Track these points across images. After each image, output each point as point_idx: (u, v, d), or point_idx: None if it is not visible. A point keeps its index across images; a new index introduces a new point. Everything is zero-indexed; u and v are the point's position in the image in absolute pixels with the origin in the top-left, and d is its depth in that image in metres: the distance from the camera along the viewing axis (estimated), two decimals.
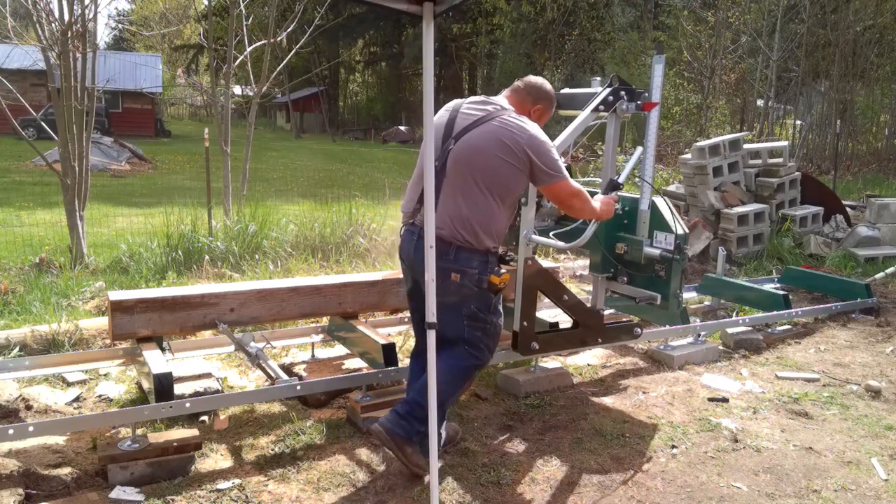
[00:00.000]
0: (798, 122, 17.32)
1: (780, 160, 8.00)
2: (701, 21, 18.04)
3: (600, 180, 3.68)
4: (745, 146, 8.05)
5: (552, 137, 3.10)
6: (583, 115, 3.51)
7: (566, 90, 3.92)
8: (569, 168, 3.29)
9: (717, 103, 16.77)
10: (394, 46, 39.62)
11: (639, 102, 3.64)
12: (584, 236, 3.37)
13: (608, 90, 3.61)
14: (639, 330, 3.89)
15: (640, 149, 3.75)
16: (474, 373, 3.04)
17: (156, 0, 33.24)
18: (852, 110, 16.73)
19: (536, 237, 3.40)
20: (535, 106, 3.12)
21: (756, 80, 17.13)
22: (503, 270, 2.96)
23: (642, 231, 3.74)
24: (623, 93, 3.60)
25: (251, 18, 9.01)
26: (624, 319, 4.08)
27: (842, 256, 7.10)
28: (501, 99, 3.07)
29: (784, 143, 9.54)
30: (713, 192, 7.49)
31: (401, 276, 3.97)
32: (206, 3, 9.63)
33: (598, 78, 4.02)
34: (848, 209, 8.46)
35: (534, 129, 2.91)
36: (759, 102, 17.13)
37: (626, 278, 3.84)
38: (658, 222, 3.72)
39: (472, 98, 3.09)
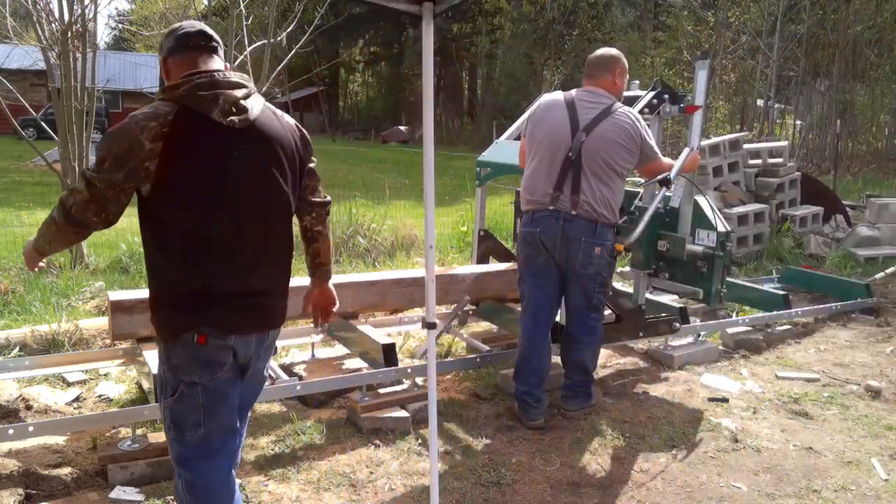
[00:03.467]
0: (798, 122, 17.30)
1: (780, 160, 8.00)
2: (701, 21, 18.05)
3: (642, 179, 3.83)
4: (745, 146, 8.05)
5: None
6: None
7: None
8: None
9: (716, 103, 16.78)
10: (394, 46, 39.60)
11: (681, 105, 3.85)
12: (634, 235, 3.60)
13: (652, 93, 3.80)
14: (677, 324, 4.09)
15: (687, 150, 3.94)
16: (602, 331, 3.57)
17: (156, 0, 33.21)
18: (852, 110, 16.72)
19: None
20: (616, 72, 3.44)
21: (756, 80, 17.13)
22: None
23: (685, 228, 3.86)
24: (666, 96, 3.80)
25: (251, 18, 9.01)
26: (663, 314, 4.26)
27: (842, 256, 7.10)
28: (601, 91, 3.40)
29: (784, 143, 9.53)
30: (713, 193, 7.48)
31: (399, 276, 4.02)
32: (206, 3, 9.63)
33: (637, 81, 4.16)
34: (848, 209, 8.46)
35: (641, 120, 3.40)
36: (759, 102, 17.12)
37: (667, 274, 4.01)
38: (700, 220, 3.87)
39: (579, 92, 3.43)
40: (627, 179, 4.20)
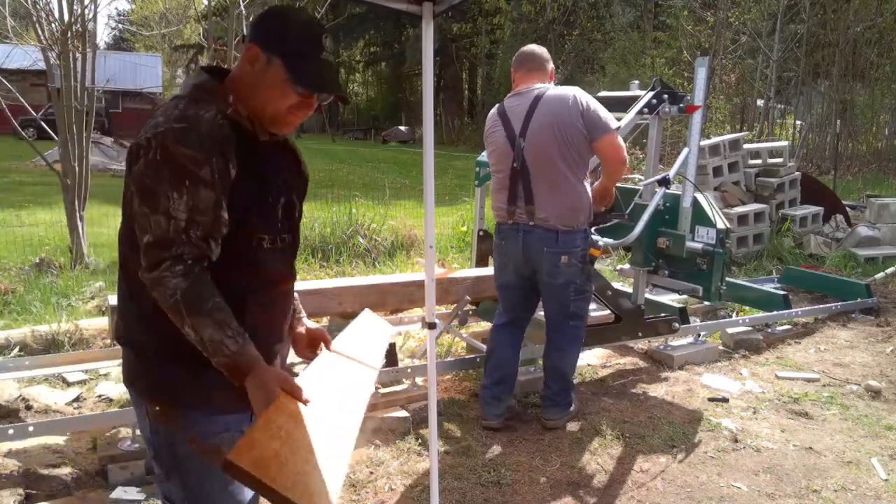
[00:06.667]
0: (798, 123, 17.29)
1: (780, 160, 7.99)
2: (701, 21, 18.03)
3: (640, 177, 3.81)
4: (745, 146, 8.05)
5: None
6: (627, 118, 3.71)
7: (605, 93, 4.12)
8: None
9: (717, 103, 16.75)
10: (394, 46, 39.58)
11: (681, 105, 3.83)
12: (634, 233, 3.56)
13: (651, 94, 3.80)
14: (677, 325, 4.08)
15: (686, 149, 3.93)
16: (583, 337, 3.44)
17: (156, 0, 33.20)
18: (852, 110, 16.71)
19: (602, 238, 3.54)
20: (550, 68, 3.31)
21: (756, 80, 17.12)
22: (600, 243, 3.30)
23: (684, 226, 3.87)
24: (666, 96, 3.79)
25: (251, 18, 9.00)
26: (663, 314, 4.24)
27: (842, 256, 7.10)
28: (532, 85, 3.23)
29: (784, 143, 9.53)
30: (713, 192, 7.48)
31: (397, 279, 4.04)
32: (206, 3, 9.63)
33: (637, 81, 4.15)
34: (848, 209, 8.45)
35: (581, 92, 3.14)
36: (759, 102, 17.11)
37: (667, 272, 4.00)
38: (700, 217, 3.88)
39: (508, 98, 3.29)
40: (627, 177, 4.15)
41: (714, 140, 7.77)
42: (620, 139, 3.14)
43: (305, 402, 1.41)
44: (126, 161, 1.43)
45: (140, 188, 1.36)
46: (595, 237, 3.54)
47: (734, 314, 5.30)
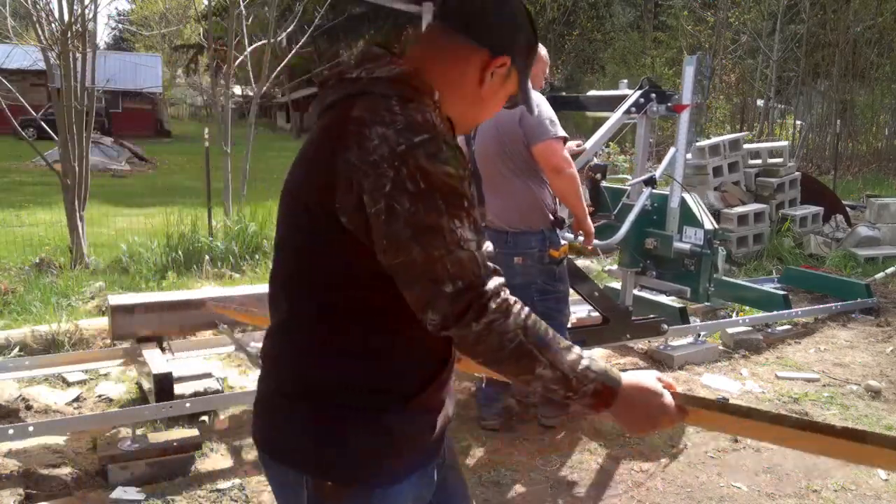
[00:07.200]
0: (798, 123, 17.29)
1: (780, 160, 7.99)
2: (701, 21, 18.05)
3: (629, 177, 3.79)
4: (745, 146, 8.05)
5: (577, 136, 3.19)
6: (614, 118, 3.67)
7: (594, 92, 4.08)
8: (605, 168, 3.55)
9: (717, 103, 16.77)
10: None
11: (669, 104, 3.80)
12: (619, 234, 3.52)
13: (639, 93, 3.76)
14: (665, 326, 4.06)
15: (673, 149, 3.91)
16: (563, 336, 3.20)
17: (156, 0, 33.21)
18: (852, 110, 16.71)
19: (569, 235, 3.46)
20: None
21: (756, 80, 17.13)
22: (563, 242, 3.16)
23: (672, 226, 3.85)
24: (653, 95, 3.75)
25: (251, 18, 9.01)
26: (651, 316, 4.21)
27: (842, 256, 7.09)
28: None
29: (784, 143, 9.53)
30: (713, 193, 7.48)
31: None
32: (206, 3, 9.63)
33: (626, 80, 4.14)
34: (848, 209, 8.45)
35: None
36: (759, 102, 17.12)
37: (655, 273, 3.98)
38: (687, 218, 3.86)
39: None
40: (616, 177, 4.13)
41: (714, 140, 7.77)
42: (561, 147, 2.96)
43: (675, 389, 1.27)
44: (331, 189, 1.13)
45: (417, 228, 1.07)
46: (569, 235, 3.46)
47: (734, 314, 5.29)
